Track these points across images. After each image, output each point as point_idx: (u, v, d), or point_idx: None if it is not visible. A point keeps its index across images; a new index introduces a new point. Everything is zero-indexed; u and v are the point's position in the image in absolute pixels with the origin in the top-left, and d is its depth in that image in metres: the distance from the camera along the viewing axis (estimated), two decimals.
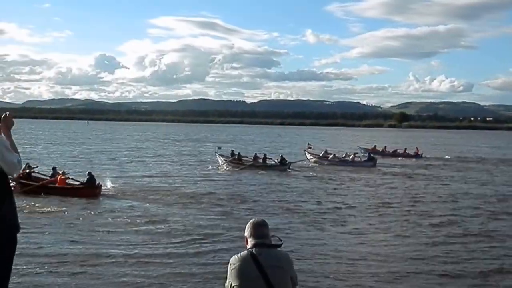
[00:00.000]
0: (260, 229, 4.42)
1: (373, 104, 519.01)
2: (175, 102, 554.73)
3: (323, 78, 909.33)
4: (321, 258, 13.72)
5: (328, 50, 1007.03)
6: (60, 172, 24.41)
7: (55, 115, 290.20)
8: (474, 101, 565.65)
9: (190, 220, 18.43)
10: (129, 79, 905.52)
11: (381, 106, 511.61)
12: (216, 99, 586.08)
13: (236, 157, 39.26)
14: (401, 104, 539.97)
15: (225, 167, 37.45)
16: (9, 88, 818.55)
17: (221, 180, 31.05)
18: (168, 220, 18.31)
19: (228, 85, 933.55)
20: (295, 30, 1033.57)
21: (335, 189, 28.02)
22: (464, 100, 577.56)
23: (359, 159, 42.71)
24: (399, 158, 49.70)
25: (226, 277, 4.35)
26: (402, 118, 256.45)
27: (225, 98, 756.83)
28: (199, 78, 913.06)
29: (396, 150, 53.62)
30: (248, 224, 4.50)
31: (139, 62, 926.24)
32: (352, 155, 42.99)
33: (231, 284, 4.28)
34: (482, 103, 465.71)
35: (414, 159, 49.01)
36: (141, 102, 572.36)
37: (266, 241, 4.37)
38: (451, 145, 79.42)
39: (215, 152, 41.99)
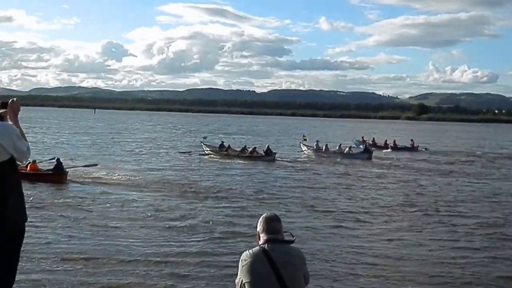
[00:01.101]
0: (272, 224, 4.41)
1: (390, 95, 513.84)
2: (183, 91, 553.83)
3: (337, 67, 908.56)
4: (336, 256, 13.66)
5: (343, 38, 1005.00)
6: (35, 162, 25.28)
7: (61, 103, 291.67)
8: (499, 93, 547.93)
9: (191, 213, 18.45)
10: (136, 67, 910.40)
11: (399, 97, 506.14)
12: (225, 89, 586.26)
13: (224, 148, 40.42)
14: (419, 95, 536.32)
15: (209, 156, 38.77)
16: (16, 76, 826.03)
17: (207, 170, 31.60)
18: (174, 214, 18.32)
19: (237, 74, 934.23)
20: (308, 17, 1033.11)
21: (334, 182, 28.00)
22: (488, 92, 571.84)
23: (352, 151, 42.65)
24: (388, 150, 49.22)
25: (237, 274, 4.34)
26: (420, 110, 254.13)
27: (234, 87, 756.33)
28: (208, 67, 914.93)
29: (386, 142, 53.20)
30: (260, 218, 4.48)
31: (147, 49, 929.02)
32: (347, 148, 42.98)
33: (242, 281, 4.27)
34: (508, 95, 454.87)
35: (409, 152, 48.42)
36: (148, 90, 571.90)
37: (278, 237, 4.36)
38: (476, 140, 77.52)
39: (201, 142, 43.33)
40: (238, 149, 40.31)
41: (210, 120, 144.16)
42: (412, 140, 54.09)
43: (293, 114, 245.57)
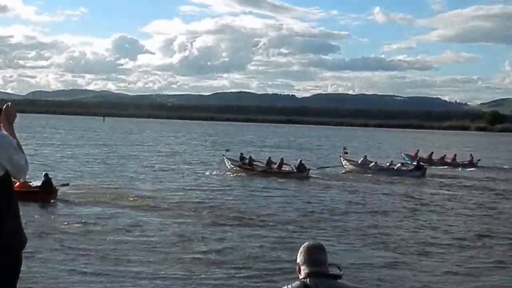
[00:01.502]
0: (316, 255, 4.40)
1: (458, 101, 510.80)
2: (208, 95, 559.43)
3: (394, 67, 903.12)
4: None
5: (401, 32, 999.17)
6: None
7: (64, 109, 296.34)
8: None
9: (220, 242, 18.57)
10: (154, 66, 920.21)
11: (468, 103, 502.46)
12: (259, 93, 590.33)
13: (246, 161, 41.41)
14: (493, 101, 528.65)
15: (232, 172, 40.16)
16: (11, 77, 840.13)
17: (233, 190, 32.23)
18: (201, 244, 18.48)
19: (274, 75, 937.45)
20: (359, 7, 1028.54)
21: (387, 205, 28.12)
22: None
23: (405, 168, 43.92)
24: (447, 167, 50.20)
25: None
26: (494, 118, 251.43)
27: (270, 91, 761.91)
28: (239, 67, 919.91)
29: (444, 157, 54.46)
30: (301, 248, 4.47)
31: (167, 46, 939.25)
32: (399, 164, 44.00)
33: None
34: None
35: (469, 169, 49.28)
36: (167, 95, 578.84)
37: (323, 270, 4.36)
38: None
39: (223, 156, 44.40)
40: (263, 161, 41.46)
41: (241, 130, 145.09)
42: (471, 155, 54.89)
43: (340, 124, 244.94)
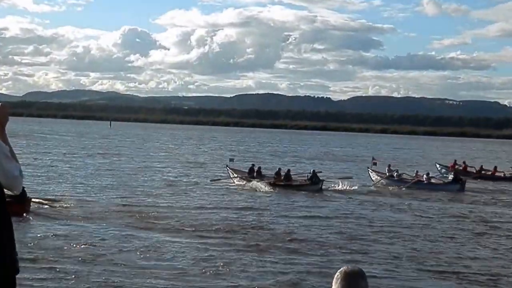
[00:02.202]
0: (355, 282, 4.38)
1: None
2: (231, 97, 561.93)
3: (446, 66, 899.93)
4: None
5: (455, 26, 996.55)
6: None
7: (66, 113, 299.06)
8: None
9: (244, 269, 18.75)
10: (168, 64, 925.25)
11: None
12: (289, 94, 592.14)
13: (254, 174, 43.26)
14: None
15: (236, 182, 42.60)
16: (6, 75, 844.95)
17: (250, 205, 33.20)
18: (225, 271, 18.65)
19: (307, 74, 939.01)
20: None
21: (425, 224, 28.62)
22: None
23: (441, 181, 46.03)
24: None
25: None
26: None
27: (302, 93, 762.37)
28: (266, 64, 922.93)
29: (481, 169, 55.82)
30: (337, 274, 4.44)
31: (183, 40, 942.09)
32: (425, 175, 44.99)
33: None
34: None
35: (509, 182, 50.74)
36: (184, 96, 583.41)
37: None
38: None
39: (226, 166, 46.49)
40: (271, 173, 43.37)
41: (268, 138, 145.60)
42: None
43: (383, 131, 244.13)
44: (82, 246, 20.67)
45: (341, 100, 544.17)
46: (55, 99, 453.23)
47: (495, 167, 54.77)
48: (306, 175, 42.07)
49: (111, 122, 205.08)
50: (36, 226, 24.01)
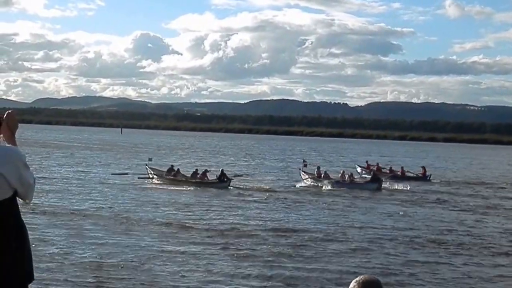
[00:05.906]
0: None
1: None
2: (245, 103, 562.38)
3: (468, 70, 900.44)
4: None
5: (477, 29, 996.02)
6: None
7: (76, 120, 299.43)
8: None
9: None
10: (181, 69, 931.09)
11: None
12: (305, 100, 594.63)
13: (173, 173, 47.44)
14: None
15: (154, 180, 46.22)
16: (15, 81, 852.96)
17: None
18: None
19: (323, 79, 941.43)
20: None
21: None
22: None
23: (360, 180, 50.63)
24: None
25: None
26: None
27: (318, 98, 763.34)
28: (282, 70, 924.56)
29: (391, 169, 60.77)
30: (354, 283, 4.41)
31: (196, 45, 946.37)
32: (348, 175, 49.04)
33: None
34: None
35: (420, 182, 54.59)
36: (197, 103, 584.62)
37: None
38: None
39: (145, 165, 49.75)
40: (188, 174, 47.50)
41: (284, 145, 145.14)
42: (423, 167, 60.69)
43: (402, 138, 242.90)
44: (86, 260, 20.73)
45: (358, 106, 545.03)
46: (65, 106, 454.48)
47: (402, 167, 59.85)
48: (216, 175, 45.87)
49: (122, 129, 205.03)
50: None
